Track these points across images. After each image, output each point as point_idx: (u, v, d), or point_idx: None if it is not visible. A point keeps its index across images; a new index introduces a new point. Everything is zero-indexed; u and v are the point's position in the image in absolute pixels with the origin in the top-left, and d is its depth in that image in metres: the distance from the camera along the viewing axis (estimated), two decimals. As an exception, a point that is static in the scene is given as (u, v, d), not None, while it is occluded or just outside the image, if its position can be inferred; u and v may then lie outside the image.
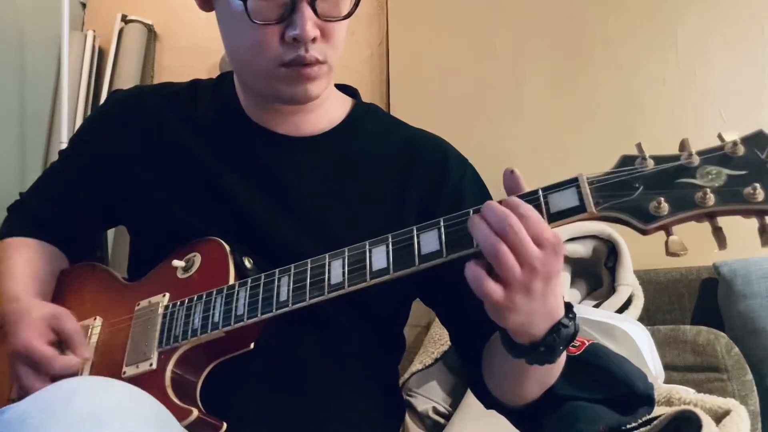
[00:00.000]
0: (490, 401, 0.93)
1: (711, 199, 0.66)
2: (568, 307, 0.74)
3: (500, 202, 0.71)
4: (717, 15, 1.97)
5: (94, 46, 2.47)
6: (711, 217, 0.67)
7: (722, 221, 0.68)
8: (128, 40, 2.46)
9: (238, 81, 1.03)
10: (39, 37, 2.31)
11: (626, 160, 0.71)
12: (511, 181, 0.73)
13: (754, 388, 1.49)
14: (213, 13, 0.99)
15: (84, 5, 2.60)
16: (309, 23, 0.86)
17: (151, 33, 2.53)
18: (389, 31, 2.30)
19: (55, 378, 0.88)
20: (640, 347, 1.45)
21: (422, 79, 2.26)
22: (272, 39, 0.88)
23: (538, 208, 0.71)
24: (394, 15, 2.30)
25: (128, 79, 2.39)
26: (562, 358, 0.83)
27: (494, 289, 0.68)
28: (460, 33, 2.24)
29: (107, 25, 2.50)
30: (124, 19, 2.49)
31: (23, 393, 0.90)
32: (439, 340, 1.64)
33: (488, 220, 0.69)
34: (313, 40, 0.88)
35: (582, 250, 1.69)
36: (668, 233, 0.68)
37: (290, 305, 0.81)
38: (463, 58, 2.22)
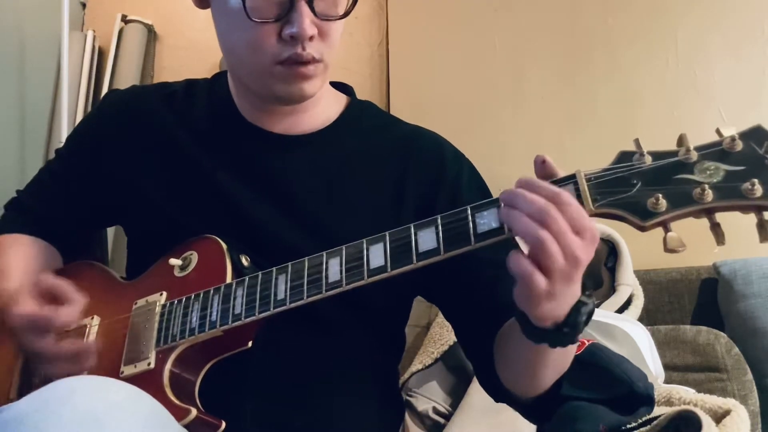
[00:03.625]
0: (500, 394, 0.93)
1: (709, 194, 0.65)
2: (584, 284, 0.73)
3: (534, 189, 0.69)
4: (717, 15, 1.97)
5: (94, 46, 2.47)
6: (709, 213, 0.67)
7: (722, 220, 0.68)
8: (128, 40, 2.46)
9: (232, 80, 1.03)
10: (39, 37, 2.31)
11: (624, 156, 0.70)
12: (543, 171, 0.72)
13: (754, 388, 1.49)
14: (213, 13, 0.98)
15: (84, 5, 2.61)
16: (307, 21, 0.86)
17: (151, 33, 2.54)
18: (389, 31, 2.30)
19: (61, 334, 0.90)
20: (640, 347, 1.45)
21: (422, 79, 2.26)
22: (269, 37, 0.88)
23: None
24: (394, 15, 2.30)
25: (128, 79, 2.39)
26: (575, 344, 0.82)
27: (541, 281, 0.67)
28: (460, 33, 2.24)
29: (107, 25, 2.50)
30: (124, 19, 2.49)
31: (37, 360, 0.91)
32: (439, 340, 1.64)
33: (526, 210, 0.67)
34: (310, 38, 0.88)
35: (582, 250, 1.68)
36: (666, 230, 0.68)
37: (288, 304, 0.81)
38: (463, 58, 2.22)
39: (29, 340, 0.90)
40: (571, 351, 0.83)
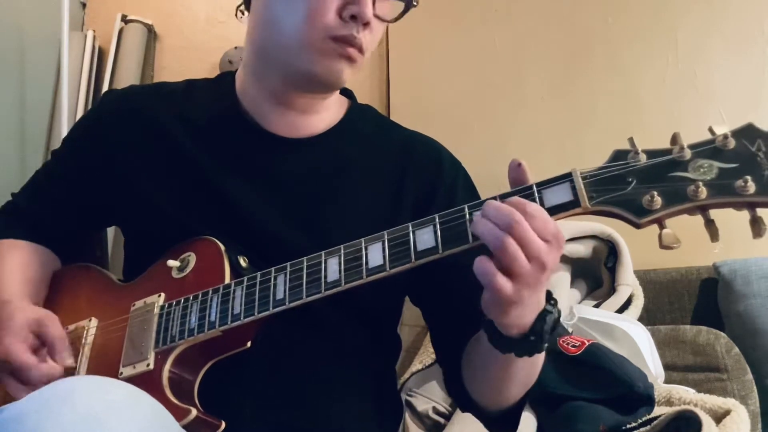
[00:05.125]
0: (466, 404, 0.94)
1: (703, 192, 0.66)
2: (548, 293, 0.75)
3: (504, 201, 0.71)
4: (717, 15, 1.97)
5: (94, 46, 2.47)
6: (703, 210, 0.68)
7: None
8: (128, 40, 2.46)
9: (249, 69, 1.03)
10: (39, 37, 2.31)
11: (619, 155, 0.71)
12: (516, 173, 0.74)
13: (754, 388, 1.49)
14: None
15: (84, 5, 2.60)
16: (370, 5, 0.89)
17: (151, 33, 2.54)
18: (389, 31, 2.30)
19: (36, 386, 0.87)
20: (640, 347, 1.45)
21: (422, 79, 2.25)
22: (330, 11, 0.90)
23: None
24: (394, 15, 2.30)
25: (128, 79, 2.39)
26: (542, 356, 0.84)
27: (504, 284, 0.68)
28: (460, 33, 2.23)
29: (107, 25, 2.50)
30: (124, 19, 2.49)
31: (9, 401, 0.89)
32: (439, 340, 1.64)
33: (492, 218, 0.69)
34: (365, 25, 0.90)
35: (582, 250, 1.69)
36: (661, 226, 0.69)
37: (287, 303, 0.81)
38: (463, 59, 2.22)
39: (4, 378, 0.90)
40: (537, 364, 0.85)
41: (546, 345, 0.76)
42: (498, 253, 0.68)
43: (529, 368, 0.84)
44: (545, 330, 0.73)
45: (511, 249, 0.67)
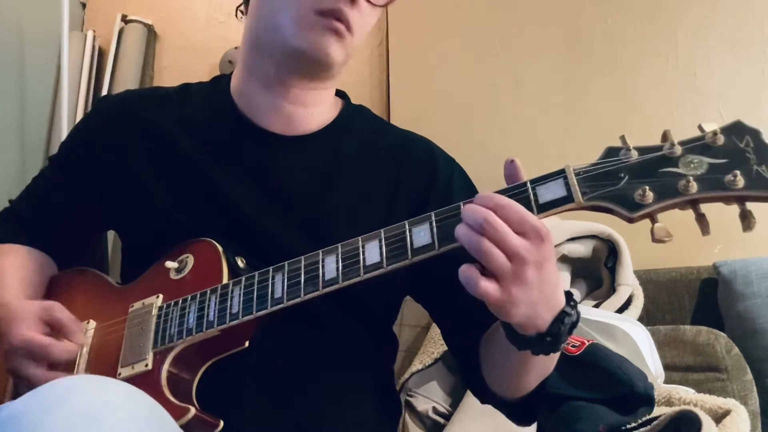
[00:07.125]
0: (486, 396, 0.94)
1: (694, 186, 0.68)
2: (569, 295, 0.75)
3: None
4: (717, 15, 1.97)
5: (94, 46, 2.47)
6: (694, 204, 0.69)
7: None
8: (128, 40, 2.46)
9: (243, 67, 1.04)
10: (39, 37, 2.31)
11: (611, 152, 0.72)
12: (510, 170, 0.75)
13: (754, 388, 1.49)
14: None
15: (84, 5, 2.61)
16: None
17: (151, 33, 2.54)
18: (389, 31, 2.30)
19: (54, 365, 0.89)
20: (640, 347, 1.45)
21: (422, 79, 2.25)
22: None
23: (526, 199, 0.72)
24: (394, 15, 2.30)
25: (128, 79, 2.39)
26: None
27: (489, 287, 0.68)
28: (460, 33, 2.23)
29: (107, 25, 2.50)
30: (124, 19, 2.49)
31: (24, 386, 0.89)
32: (439, 340, 1.64)
33: (466, 221, 0.70)
34: (353, 2, 0.91)
35: (582, 250, 1.69)
36: (653, 221, 0.70)
37: (285, 302, 0.81)
38: (463, 58, 2.22)
39: (22, 364, 0.90)
40: (555, 355, 0.84)
41: (563, 345, 0.76)
42: (476, 256, 0.68)
43: (546, 360, 0.83)
44: (562, 332, 0.73)
45: (485, 248, 0.67)
